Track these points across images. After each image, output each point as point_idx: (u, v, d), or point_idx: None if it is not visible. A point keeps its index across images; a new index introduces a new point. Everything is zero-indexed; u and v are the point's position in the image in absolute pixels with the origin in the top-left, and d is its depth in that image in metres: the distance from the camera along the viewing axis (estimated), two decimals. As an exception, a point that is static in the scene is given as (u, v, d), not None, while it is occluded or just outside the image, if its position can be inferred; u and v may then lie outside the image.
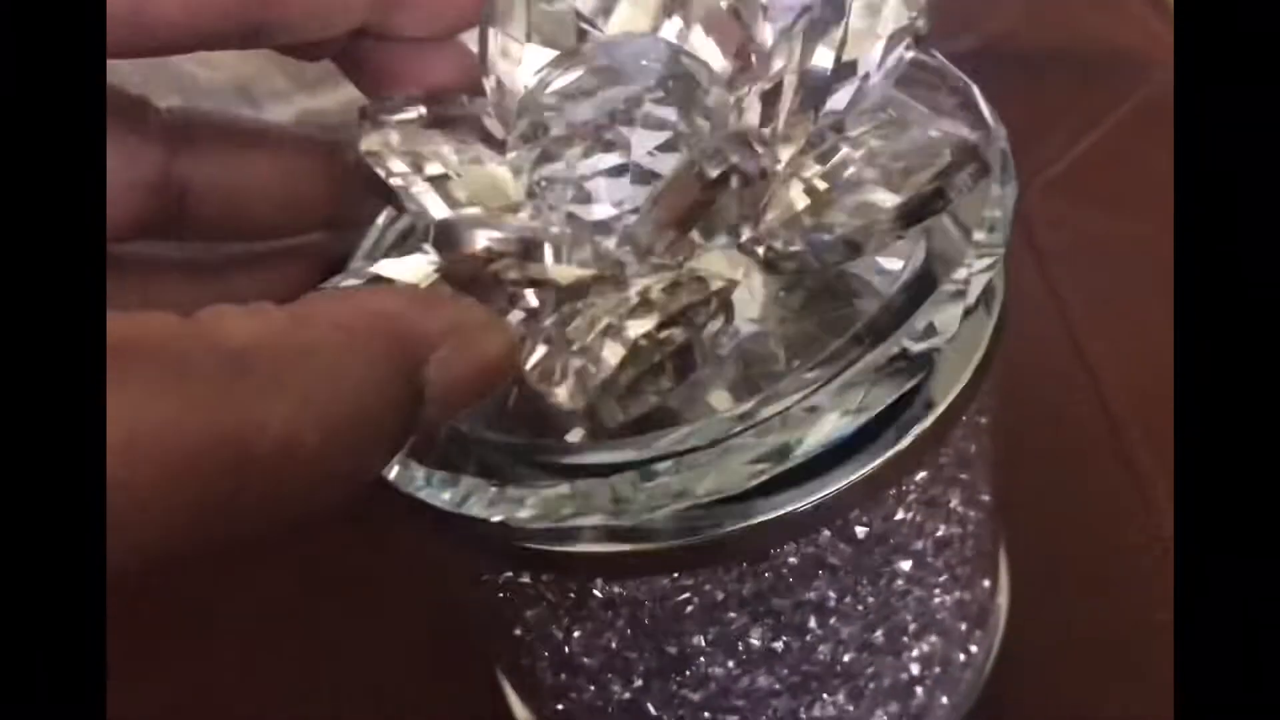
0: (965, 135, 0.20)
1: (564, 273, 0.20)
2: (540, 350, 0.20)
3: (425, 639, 0.31)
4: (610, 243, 0.21)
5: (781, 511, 0.20)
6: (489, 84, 0.22)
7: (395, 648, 0.32)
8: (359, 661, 0.32)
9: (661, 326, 0.19)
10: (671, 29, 0.22)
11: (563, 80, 0.21)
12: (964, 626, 0.26)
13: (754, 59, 0.22)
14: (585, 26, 0.22)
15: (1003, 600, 0.29)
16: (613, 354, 0.19)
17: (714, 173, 0.19)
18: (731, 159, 0.19)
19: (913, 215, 0.19)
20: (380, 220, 0.25)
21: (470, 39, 0.23)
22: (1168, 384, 0.35)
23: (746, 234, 0.20)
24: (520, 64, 0.22)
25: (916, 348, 0.20)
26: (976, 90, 0.22)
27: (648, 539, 0.19)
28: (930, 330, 0.20)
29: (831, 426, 0.19)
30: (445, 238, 0.19)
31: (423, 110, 0.23)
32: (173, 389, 0.14)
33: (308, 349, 0.16)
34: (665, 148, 0.20)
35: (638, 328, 0.19)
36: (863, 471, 0.20)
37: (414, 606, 0.32)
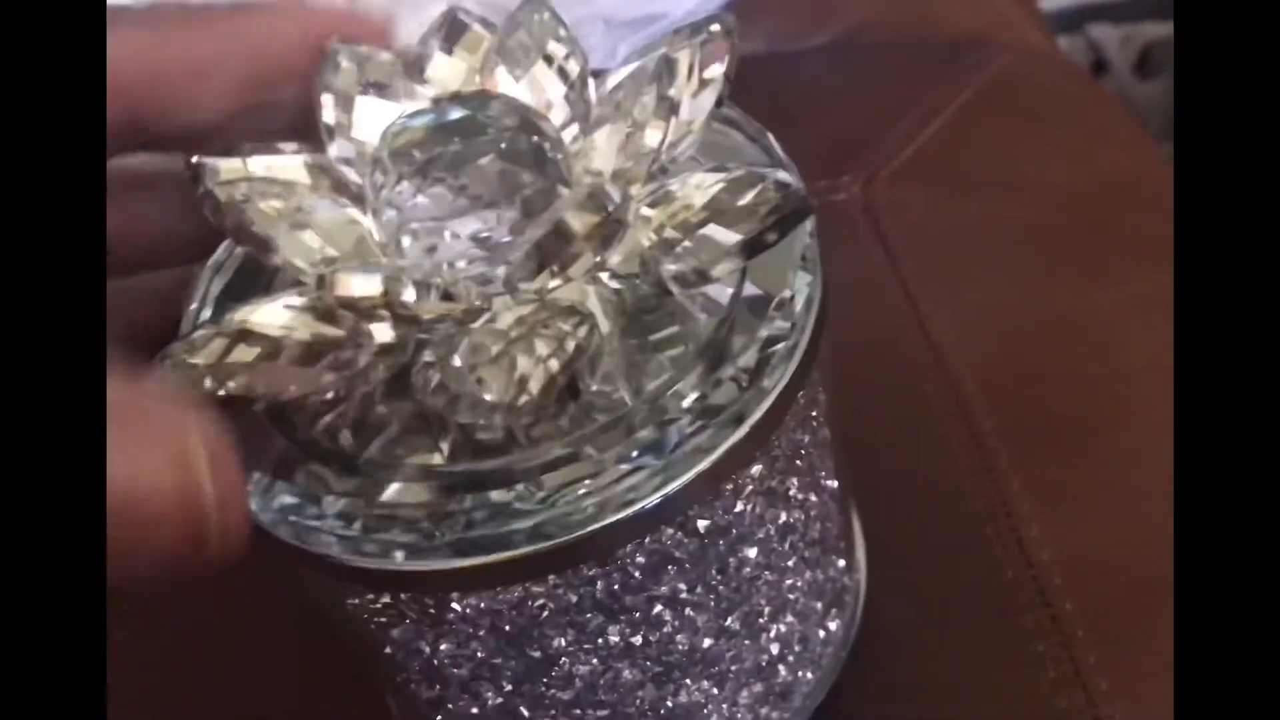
0: (785, 178, 0.22)
1: (429, 308, 0.22)
2: (435, 376, 0.22)
3: (314, 668, 0.32)
4: (474, 278, 0.22)
5: (622, 514, 0.21)
6: (325, 134, 0.24)
7: (285, 677, 0.32)
8: (249, 691, 0.33)
9: (553, 352, 0.21)
10: (499, 83, 0.24)
11: (418, 132, 0.22)
12: (820, 605, 0.28)
13: (583, 111, 0.24)
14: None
15: (860, 577, 0.31)
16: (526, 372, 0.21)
17: (584, 221, 0.21)
18: (605, 209, 0.21)
19: (753, 249, 0.22)
20: (213, 259, 0.26)
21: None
22: (1011, 361, 0.37)
23: (600, 269, 0.23)
24: (354, 113, 0.24)
25: (749, 359, 0.22)
26: (771, 136, 0.25)
27: (495, 549, 0.21)
28: (760, 344, 0.22)
29: (673, 434, 0.21)
30: (327, 281, 0.21)
31: (263, 157, 0.24)
32: None
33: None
34: (522, 198, 0.22)
35: (539, 348, 0.21)
36: (697, 469, 0.21)
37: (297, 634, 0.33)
